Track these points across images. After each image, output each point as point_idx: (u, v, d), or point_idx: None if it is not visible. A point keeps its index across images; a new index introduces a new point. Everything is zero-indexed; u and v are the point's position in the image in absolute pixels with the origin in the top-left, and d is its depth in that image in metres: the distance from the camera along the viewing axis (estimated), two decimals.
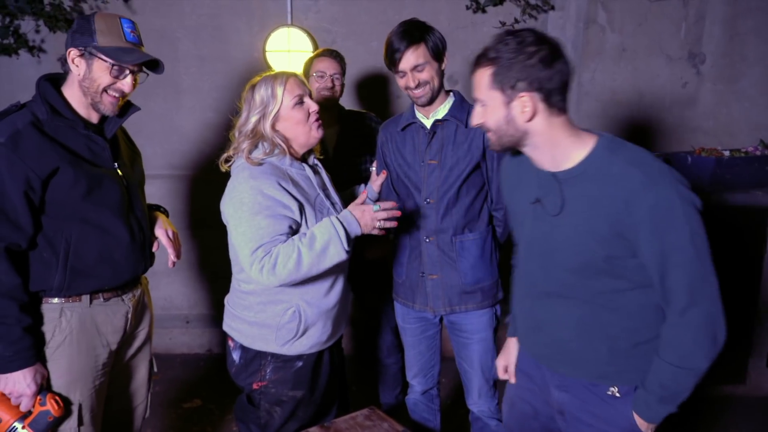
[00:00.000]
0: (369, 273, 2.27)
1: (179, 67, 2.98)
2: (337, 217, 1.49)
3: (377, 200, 1.95)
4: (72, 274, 1.42)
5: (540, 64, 1.12)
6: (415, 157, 1.81)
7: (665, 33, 3.00)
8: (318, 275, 1.55)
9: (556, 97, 1.15)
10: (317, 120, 1.59)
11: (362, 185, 1.97)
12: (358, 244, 2.20)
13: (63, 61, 1.42)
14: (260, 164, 1.52)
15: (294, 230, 1.52)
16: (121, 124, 1.62)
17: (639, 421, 1.23)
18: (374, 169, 1.94)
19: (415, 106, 1.82)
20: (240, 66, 2.98)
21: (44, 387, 1.42)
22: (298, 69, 2.88)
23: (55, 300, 1.43)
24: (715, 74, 3.06)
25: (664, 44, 3.01)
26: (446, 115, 1.77)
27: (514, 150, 1.27)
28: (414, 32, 1.68)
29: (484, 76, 1.17)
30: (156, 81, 2.95)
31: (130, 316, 1.57)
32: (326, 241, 1.45)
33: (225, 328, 1.67)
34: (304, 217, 1.53)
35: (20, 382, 1.36)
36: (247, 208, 1.46)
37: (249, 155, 1.54)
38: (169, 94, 3.02)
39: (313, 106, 1.57)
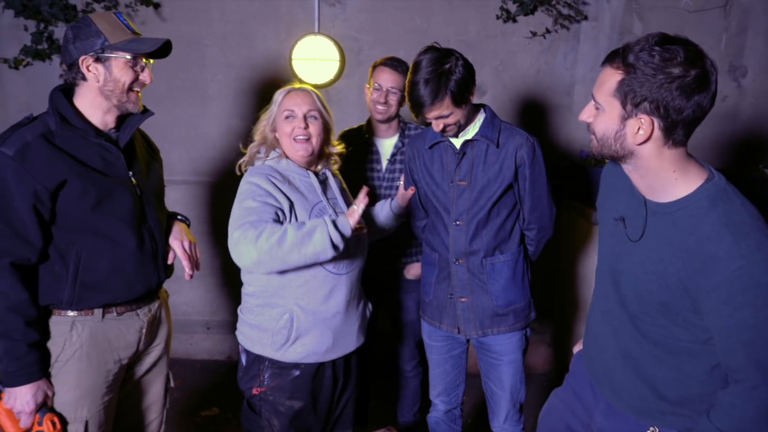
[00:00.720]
0: (396, 284, 2.24)
1: (206, 73, 2.99)
2: (330, 216, 1.53)
3: (403, 215, 1.91)
4: (82, 289, 1.40)
5: (677, 91, 0.98)
6: (444, 176, 1.75)
7: (704, 45, 2.82)
8: (314, 280, 1.54)
9: (679, 131, 1.02)
10: (303, 140, 1.58)
11: (388, 200, 1.92)
12: (396, 260, 2.19)
13: (75, 72, 1.39)
14: (261, 165, 1.62)
15: (279, 221, 1.54)
16: (139, 130, 1.61)
17: None
18: (402, 183, 1.90)
19: None
20: (266, 73, 2.98)
21: (46, 405, 1.40)
22: (323, 77, 2.88)
23: (68, 313, 1.42)
24: (756, 88, 2.93)
25: None
26: (476, 134, 1.71)
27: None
28: (437, 85, 1.54)
29: (611, 78, 1.03)
30: (183, 87, 3.01)
31: (144, 331, 1.54)
32: (314, 226, 1.46)
33: (236, 332, 1.70)
34: (293, 214, 1.55)
35: (20, 399, 1.35)
36: (241, 198, 1.54)
37: (253, 161, 1.65)
38: (195, 100, 3.03)
39: (300, 125, 1.57)
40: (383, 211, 1.91)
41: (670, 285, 1.07)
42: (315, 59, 2.86)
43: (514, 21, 2.86)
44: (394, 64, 2.12)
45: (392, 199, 1.92)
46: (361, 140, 2.17)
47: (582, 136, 3.01)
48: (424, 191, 1.82)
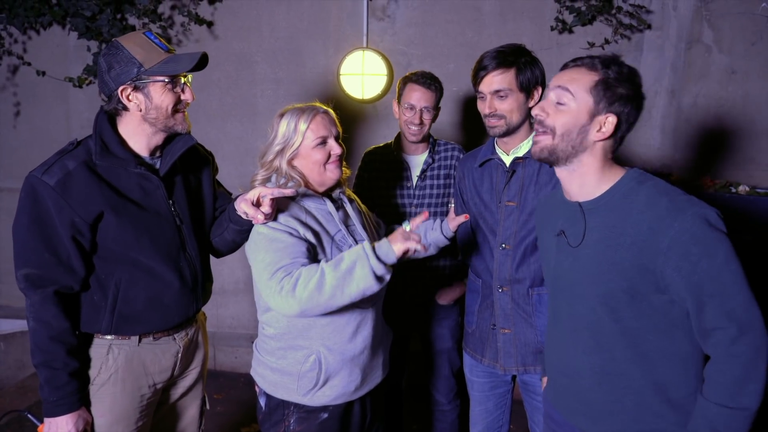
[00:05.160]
0: (428, 310, 2.14)
1: (256, 89, 3.03)
2: (369, 242, 1.37)
3: (452, 238, 1.81)
4: (119, 319, 1.40)
5: (636, 101, 1.16)
6: (492, 196, 1.65)
7: None
8: (341, 317, 1.44)
9: (623, 134, 1.19)
10: (337, 162, 1.50)
11: (436, 220, 1.83)
12: (429, 285, 2.10)
13: (116, 102, 1.35)
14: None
15: (312, 254, 1.41)
16: (185, 150, 1.56)
17: None
18: (452, 205, 1.80)
19: (495, 139, 1.67)
20: (314, 89, 2.98)
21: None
22: (371, 92, 2.84)
23: (107, 336, 1.41)
24: None
25: None
26: (528, 152, 1.60)
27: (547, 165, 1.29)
28: (509, 55, 1.54)
29: (587, 76, 1.15)
30: (234, 104, 3.05)
31: (180, 355, 1.52)
32: (353, 261, 1.31)
33: (252, 372, 1.59)
34: (321, 245, 1.43)
35: (62, 428, 1.34)
36: (263, 236, 1.40)
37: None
38: (245, 116, 3.07)
39: (336, 149, 1.49)
40: (435, 234, 1.79)
41: (627, 268, 1.11)
42: (363, 74, 2.83)
43: (571, 32, 2.72)
44: (427, 81, 2.01)
45: (443, 221, 1.81)
46: (389, 157, 2.10)
47: (643, 152, 2.82)
48: (473, 213, 1.72)
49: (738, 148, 2.75)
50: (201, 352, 1.62)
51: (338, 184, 1.57)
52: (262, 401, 1.55)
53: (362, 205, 1.69)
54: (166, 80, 1.34)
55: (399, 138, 2.13)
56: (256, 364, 1.57)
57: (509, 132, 1.59)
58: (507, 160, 1.63)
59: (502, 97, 1.54)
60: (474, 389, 1.81)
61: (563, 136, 1.15)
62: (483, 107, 1.58)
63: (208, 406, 1.70)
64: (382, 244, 1.36)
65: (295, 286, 1.30)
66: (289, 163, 1.48)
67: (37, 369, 1.33)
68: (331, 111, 1.54)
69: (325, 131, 1.48)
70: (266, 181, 1.50)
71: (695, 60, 2.70)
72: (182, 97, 1.38)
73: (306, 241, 1.41)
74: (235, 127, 3.09)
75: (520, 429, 2.57)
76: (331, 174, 1.50)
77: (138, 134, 1.39)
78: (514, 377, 1.77)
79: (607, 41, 2.67)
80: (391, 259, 1.34)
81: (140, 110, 1.35)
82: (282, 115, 1.50)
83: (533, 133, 1.61)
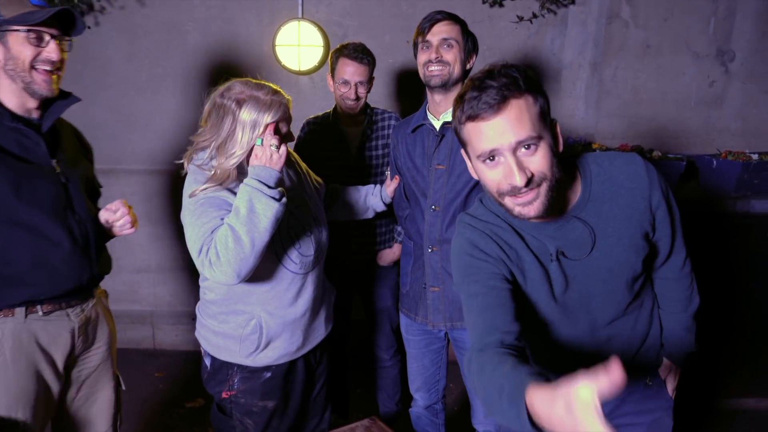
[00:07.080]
0: (369, 271, 2.22)
1: (188, 60, 2.93)
2: (247, 178, 1.37)
3: (389, 204, 1.88)
4: (0, 283, 1.29)
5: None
6: (424, 161, 1.71)
7: (693, 29, 2.85)
8: (280, 284, 1.47)
9: None
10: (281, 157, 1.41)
11: (376, 186, 1.89)
12: (370, 248, 2.17)
13: None
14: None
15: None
16: (74, 129, 1.53)
17: (672, 374, 1.30)
18: (389, 172, 1.86)
19: (426, 106, 1.72)
20: (249, 60, 2.92)
21: None
22: (307, 63, 2.82)
23: None
24: (745, 72, 2.91)
25: (691, 40, 2.87)
26: None
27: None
28: (454, 15, 1.64)
29: (527, 106, 0.94)
30: (164, 74, 2.95)
31: (77, 333, 1.42)
32: (247, 200, 1.32)
33: (196, 334, 1.60)
34: None
35: None
36: (191, 208, 1.38)
37: (191, 160, 1.45)
38: (178, 89, 2.97)
39: (282, 149, 1.40)
40: (374, 199, 1.87)
41: (639, 243, 1.12)
42: (299, 45, 2.80)
43: (501, 5, 2.81)
44: (359, 56, 2.03)
45: (383, 188, 1.88)
46: (328, 129, 2.13)
47: (568, 122, 2.98)
48: (406, 177, 1.78)
49: (652, 117, 2.96)
50: (105, 329, 1.54)
51: None
52: (207, 361, 1.58)
53: (302, 163, 1.69)
54: (24, 30, 1.26)
55: (336, 110, 2.15)
56: (199, 327, 1.58)
57: (447, 85, 1.62)
58: (437, 124, 1.69)
59: (449, 45, 1.60)
60: (410, 347, 1.89)
61: (553, 175, 0.98)
62: (427, 55, 1.61)
63: (123, 387, 1.63)
64: (256, 169, 1.36)
65: (218, 254, 1.31)
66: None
67: None
68: (286, 101, 1.43)
69: (283, 124, 1.43)
70: (198, 152, 1.44)
71: (615, 34, 2.87)
72: (44, 53, 1.29)
73: (229, 211, 1.37)
74: (167, 100, 2.98)
75: (459, 387, 2.72)
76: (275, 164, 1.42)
77: (7, 92, 1.32)
78: (447, 335, 1.86)
79: (535, 15, 2.78)
80: (275, 176, 1.36)
81: (0, 61, 1.29)
82: (240, 104, 1.39)
83: None
